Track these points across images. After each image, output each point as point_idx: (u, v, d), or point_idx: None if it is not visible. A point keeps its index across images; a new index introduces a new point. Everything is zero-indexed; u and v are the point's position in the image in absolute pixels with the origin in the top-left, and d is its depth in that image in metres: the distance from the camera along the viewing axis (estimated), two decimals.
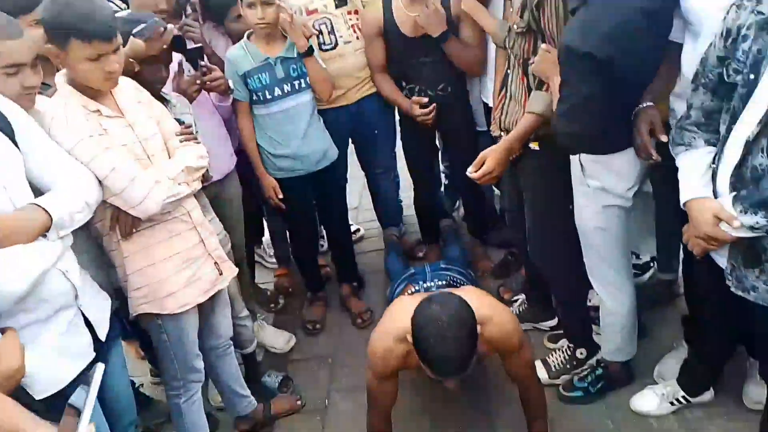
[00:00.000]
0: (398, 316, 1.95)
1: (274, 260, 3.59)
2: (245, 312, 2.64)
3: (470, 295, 1.96)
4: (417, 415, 2.51)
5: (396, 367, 2.04)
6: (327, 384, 2.78)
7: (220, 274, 2.06)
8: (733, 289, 1.70)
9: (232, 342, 2.36)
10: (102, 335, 1.71)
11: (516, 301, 2.96)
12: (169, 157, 1.95)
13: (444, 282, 2.42)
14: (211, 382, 2.64)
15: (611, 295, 2.32)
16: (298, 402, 2.65)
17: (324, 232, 3.45)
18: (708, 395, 2.32)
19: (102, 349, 1.75)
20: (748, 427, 2.17)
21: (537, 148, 2.26)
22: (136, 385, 2.73)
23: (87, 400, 0.82)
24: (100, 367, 0.94)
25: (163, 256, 1.92)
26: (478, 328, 1.83)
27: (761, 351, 1.89)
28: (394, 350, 1.97)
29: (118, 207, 1.81)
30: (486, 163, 2.22)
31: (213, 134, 2.44)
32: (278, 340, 3.02)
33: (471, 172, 2.26)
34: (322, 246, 3.56)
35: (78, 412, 0.79)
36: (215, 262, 2.05)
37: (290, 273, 3.45)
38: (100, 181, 1.72)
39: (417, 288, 2.42)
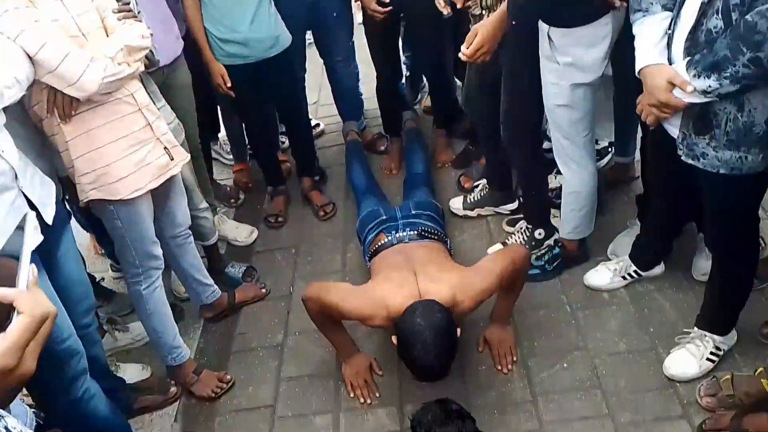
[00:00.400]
0: (397, 297, 1.98)
1: (231, 156, 3.52)
2: (204, 204, 2.61)
3: (438, 283, 2.01)
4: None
5: (366, 324, 2.12)
6: (291, 272, 2.81)
7: (171, 159, 2.01)
8: (683, 158, 1.72)
9: (191, 231, 2.35)
10: (48, 218, 1.67)
11: (477, 186, 2.97)
12: (107, 36, 1.84)
13: (415, 232, 2.39)
14: (174, 273, 2.65)
15: (574, 173, 2.34)
16: (263, 290, 2.68)
17: (284, 127, 3.37)
18: (659, 269, 2.41)
19: (51, 236, 1.71)
20: (694, 297, 2.27)
21: (515, 23, 2.19)
22: (97, 280, 2.74)
23: (23, 245, 0.78)
24: (31, 214, 0.90)
25: (108, 140, 1.85)
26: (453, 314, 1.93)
27: (707, 221, 1.93)
28: (379, 320, 2.02)
29: (55, 87, 1.72)
30: (477, 37, 2.18)
31: (155, 14, 2.29)
32: (240, 233, 3.01)
33: (463, 50, 2.21)
34: (284, 143, 3.50)
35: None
36: (165, 147, 1.99)
37: (248, 169, 3.40)
38: (30, 58, 1.62)
39: (390, 238, 2.38)
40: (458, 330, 1.94)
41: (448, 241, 2.52)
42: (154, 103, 2.07)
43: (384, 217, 2.50)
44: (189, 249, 2.35)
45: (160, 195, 2.11)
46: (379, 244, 2.38)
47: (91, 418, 1.82)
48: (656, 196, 2.16)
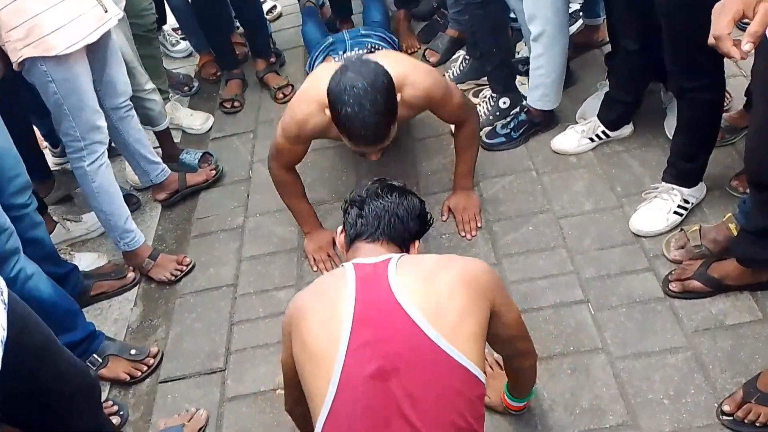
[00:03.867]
0: (324, 83, 1.72)
1: (178, 48, 3.37)
2: (150, 85, 2.45)
3: (385, 58, 1.78)
4: (343, 173, 2.49)
5: (312, 134, 1.92)
6: (249, 156, 2.69)
7: (105, 11, 1.84)
8: None
9: (132, 104, 2.21)
10: None
11: (456, 60, 2.80)
12: None
13: (365, 50, 2.24)
14: (126, 163, 2.53)
15: (549, 36, 2.18)
16: (212, 171, 2.56)
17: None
18: (627, 130, 2.32)
19: None
20: (663, 155, 2.19)
21: None
22: None
23: None
24: None
25: None
26: (397, 96, 1.70)
27: (668, 55, 1.78)
28: (315, 117, 1.83)
29: None
30: None
31: None
32: (195, 120, 2.87)
33: None
34: (238, 28, 3.30)
35: None
36: None
37: (213, 59, 3.19)
38: None
39: (337, 59, 2.24)
40: (399, 95, 1.69)
41: None
42: None
43: (330, 40, 2.33)
44: (132, 123, 2.22)
45: (97, 59, 1.97)
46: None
47: (31, 299, 1.73)
48: (624, 37, 2.03)
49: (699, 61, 1.71)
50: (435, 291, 1.14)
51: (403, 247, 1.34)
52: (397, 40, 2.55)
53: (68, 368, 1.32)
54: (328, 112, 1.70)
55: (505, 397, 1.60)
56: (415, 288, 1.13)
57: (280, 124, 1.97)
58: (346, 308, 1.12)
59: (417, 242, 1.39)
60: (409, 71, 1.83)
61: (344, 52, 2.27)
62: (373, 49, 2.27)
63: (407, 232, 1.34)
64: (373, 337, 1.10)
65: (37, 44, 1.75)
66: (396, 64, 1.77)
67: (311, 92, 1.84)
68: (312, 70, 2.45)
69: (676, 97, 1.88)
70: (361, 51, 2.25)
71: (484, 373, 1.15)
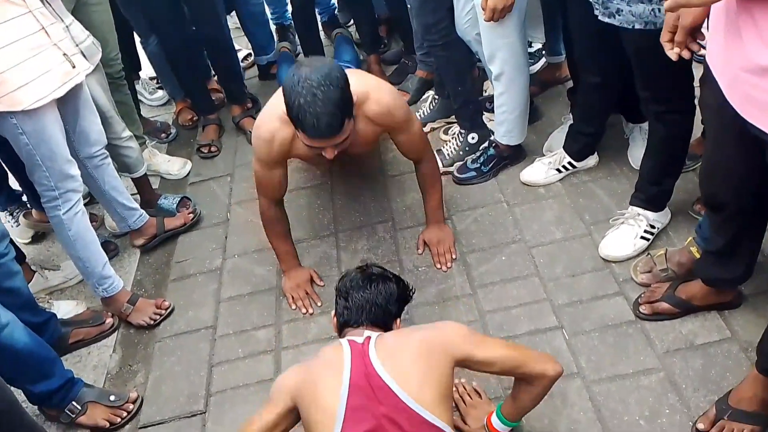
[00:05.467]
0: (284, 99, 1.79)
1: (155, 96, 3.45)
2: (127, 132, 2.49)
3: (351, 74, 1.82)
4: (320, 212, 2.53)
5: (281, 152, 1.97)
6: (227, 199, 2.73)
7: (73, 67, 1.89)
8: (600, 17, 1.69)
9: (107, 152, 2.25)
10: None
11: (425, 100, 2.89)
12: None
13: None
14: (104, 211, 2.55)
15: (508, 75, 2.27)
16: (190, 215, 2.59)
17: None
18: (592, 160, 2.40)
19: None
20: (628, 183, 2.28)
21: None
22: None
23: None
24: None
25: (1, 44, 1.73)
26: (358, 109, 1.77)
27: (640, 85, 1.86)
28: (279, 132, 1.89)
29: None
30: None
31: None
32: (173, 166, 2.90)
33: None
34: (214, 75, 3.37)
35: None
36: (64, 54, 1.87)
37: (190, 105, 3.26)
38: None
39: None
40: (354, 96, 1.73)
41: None
42: (61, 19, 1.96)
43: None
44: (108, 170, 2.25)
45: (68, 111, 2.00)
46: None
47: (6, 348, 1.73)
48: (586, 72, 2.12)
49: (668, 87, 1.80)
50: (401, 360, 1.37)
51: (386, 327, 1.56)
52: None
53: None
54: (286, 117, 1.72)
55: (492, 420, 1.62)
56: (386, 360, 1.37)
57: (253, 153, 2.03)
58: (344, 376, 1.36)
59: (398, 320, 1.61)
60: (372, 88, 1.90)
61: None
62: None
63: (387, 315, 1.57)
64: (365, 401, 1.33)
65: (4, 99, 1.79)
66: (361, 80, 1.84)
67: (273, 110, 1.90)
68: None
69: (651, 120, 1.94)
70: None
71: (454, 427, 1.38)
